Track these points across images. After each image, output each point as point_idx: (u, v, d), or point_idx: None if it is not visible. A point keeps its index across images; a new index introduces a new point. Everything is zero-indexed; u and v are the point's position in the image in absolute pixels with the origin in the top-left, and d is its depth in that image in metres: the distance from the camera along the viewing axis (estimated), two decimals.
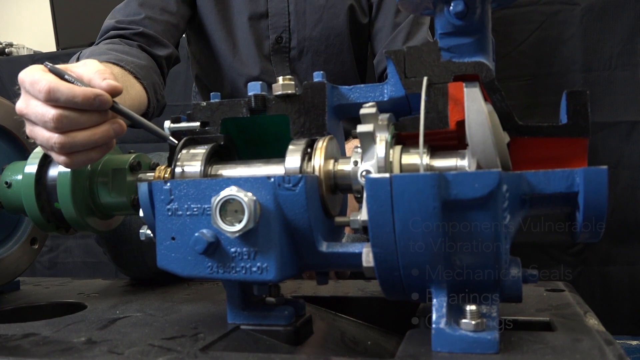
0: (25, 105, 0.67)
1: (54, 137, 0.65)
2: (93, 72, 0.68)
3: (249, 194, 0.56)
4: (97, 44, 1.12)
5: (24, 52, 2.40)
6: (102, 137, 0.67)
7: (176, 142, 0.65)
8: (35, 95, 0.65)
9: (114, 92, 0.66)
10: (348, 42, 1.26)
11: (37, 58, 1.91)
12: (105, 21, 1.17)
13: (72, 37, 2.20)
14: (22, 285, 0.99)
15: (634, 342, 1.23)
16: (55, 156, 0.68)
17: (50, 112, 0.64)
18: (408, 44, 1.21)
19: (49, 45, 2.50)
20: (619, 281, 1.44)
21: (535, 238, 1.46)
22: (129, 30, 1.12)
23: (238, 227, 0.55)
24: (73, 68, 0.69)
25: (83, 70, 0.68)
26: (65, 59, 1.90)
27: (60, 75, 0.66)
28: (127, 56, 0.99)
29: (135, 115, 0.70)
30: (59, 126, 0.64)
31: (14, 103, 0.69)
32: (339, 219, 0.62)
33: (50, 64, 0.68)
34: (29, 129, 0.69)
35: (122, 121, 0.69)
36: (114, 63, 0.92)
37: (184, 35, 1.31)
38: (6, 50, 2.38)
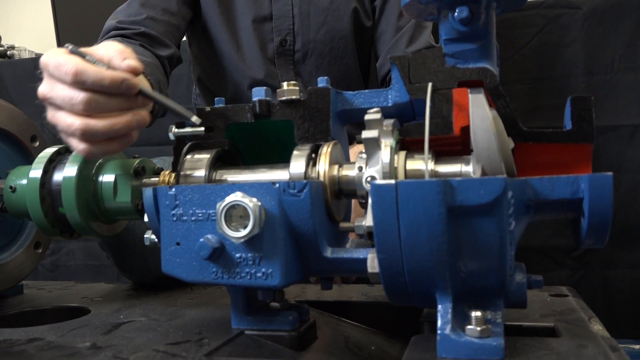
0: (50, 89, 0.65)
1: (76, 123, 0.63)
2: (113, 52, 0.66)
3: (254, 199, 0.56)
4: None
5: (26, 55, 2.41)
6: (123, 127, 0.65)
7: (200, 121, 0.64)
8: (61, 78, 0.63)
9: (135, 72, 0.65)
10: (352, 45, 1.26)
11: None
12: (106, 22, 1.17)
13: (74, 40, 2.19)
14: (25, 289, 0.99)
15: (637, 346, 1.23)
16: (75, 143, 0.66)
17: (78, 95, 0.62)
18: (411, 47, 1.21)
19: (50, 47, 2.50)
20: (621, 285, 1.44)
21: (537, 241, 1.46)
22: (131, 30, 1.11)
23: (243, 232, 0.55)
24: (94, 50, 0.67)
25: (103, 52, 0.67)
26: None
27: (82, 57, 0.64)
28: None
29: (161, 97, 0.67)
30: (87, 109, 0.62)
31: (17, 106, 0.69)
32: (343, 225, 0.62)
33: (72, 46, 0.66)
34: (51, 114, 0.66)
35: (145, 114, 0.67)
36: None
37: (184, 38, 1.31)
38: (8, 52, 2.39)
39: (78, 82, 0.62)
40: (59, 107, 0.65)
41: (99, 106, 0.63)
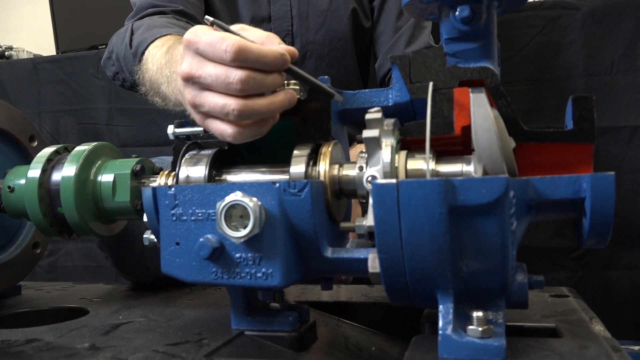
0: (197, 67, 0.59)
1: (233, 104, 0.57)
2: (264, 36, 0.61)
3: (254, 199, 0.55)
4: (136, 20, 1.08)
5: (24, 56, 2.40)
6: (280, 106, 0.60)
7: (342, 99, 0.63)
8: (217, 57, 0.58)
9: (293, 57, 0.60)
10: (351, 46, 1.26)
11: (38, 61, 1.91)
12: (138, 1, 1.15)
13: (72, 41, 2.20)
14: (23, 289, 0.98)
15: (637, 347, 1.23)
16: (223, 127, 0.60)
17: (236, 73, 0.57)
18: (410, 47, 1.21)
19: (48, 48, 2.50)
20: (621, 286, 1.44)
21: (537, 242, 1.46)
22: (169, 7, 1.10)
23: (243, 232, 0.55)
24: (240, 31, 0.62)
25: (250, 35, 0.61)
26: (66, 63, 1.89)
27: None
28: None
29: (307, 75, 0.62)
30: (244, 87, 0.57)
31: (15, 106, 0.68)
32: (344, 225, 0.62)
33: (215, 20, 0.60)
34: (194, 94, 0.60)
35: (294, 92, 0.62)
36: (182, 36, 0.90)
37: None
38: (6, 53, 2.38)
39: (239, 59, 0.57)
40: (207, 87, 0.60)
41: (256, 84, 0.58)
